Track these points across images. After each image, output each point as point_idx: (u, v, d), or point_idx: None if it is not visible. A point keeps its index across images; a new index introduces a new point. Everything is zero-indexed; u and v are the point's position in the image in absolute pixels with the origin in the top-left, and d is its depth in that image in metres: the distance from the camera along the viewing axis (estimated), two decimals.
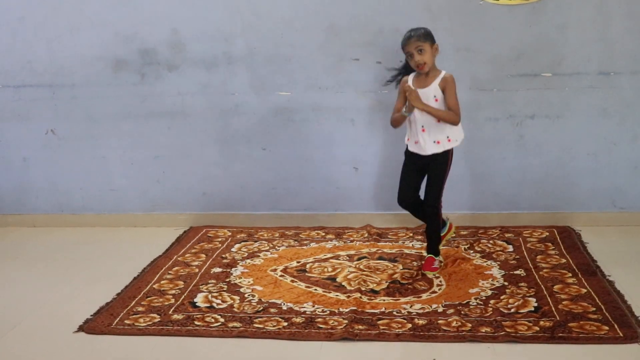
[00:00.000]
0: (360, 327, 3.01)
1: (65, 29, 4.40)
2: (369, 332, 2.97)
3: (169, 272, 3.80)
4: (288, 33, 4.24)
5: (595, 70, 4.07)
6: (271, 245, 4.15)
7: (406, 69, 3.58)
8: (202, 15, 4.27)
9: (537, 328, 2.94)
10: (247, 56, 4.31)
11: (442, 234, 3.78)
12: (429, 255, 3.70)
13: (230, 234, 4.41)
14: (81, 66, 4.45)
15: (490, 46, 4.10)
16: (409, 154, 3.61)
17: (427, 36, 3.43)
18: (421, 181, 3.65)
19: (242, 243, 4.22)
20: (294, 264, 3.85)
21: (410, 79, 3.53)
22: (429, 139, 3.48)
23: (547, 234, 4.13)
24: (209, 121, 4.45)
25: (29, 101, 4.55)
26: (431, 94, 3.43)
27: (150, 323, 3.16)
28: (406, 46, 3.44)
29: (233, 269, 3.80)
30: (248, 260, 3.92)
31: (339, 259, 3.86)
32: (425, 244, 3.79)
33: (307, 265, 3.81)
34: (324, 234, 4.34)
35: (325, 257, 3.93)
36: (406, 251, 3.94)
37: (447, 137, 3.49)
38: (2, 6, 4.40)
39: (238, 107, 4.40)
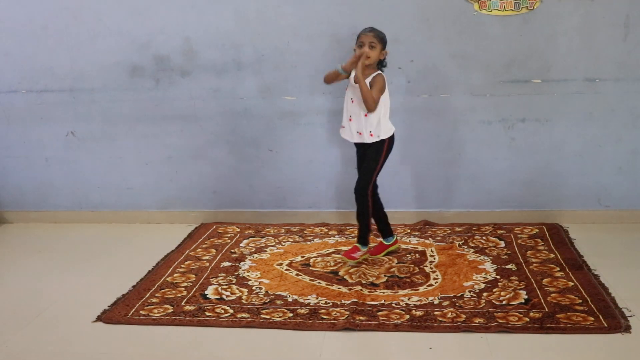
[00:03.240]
0: (361, 318, 3.01)
1: (85, 37, 4.40)
2: (370, 322, 2.97)
3: (181, 265, 3.80)
4: (294, 41, 4.23)
5: (582, 77, 4.06)
6: (277, 241, 4.15)
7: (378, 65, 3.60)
8: (213, 24, 4.26)
9: (527, 319, 2.94)
10: (255, 63, 4.30)
11: (387, 243, 3.81)
12: (356, 244, 3.72)
13: (238, 230, 4.41)
14: (100, 72, 4.44)
15: (484, 54, 4.09)
16: (355, 144, 3.66)
17: (383, 40, 3.51)
18: None
19: (250, 239, 4.22)
20: (299, 258, 3.85)
21: (353, 71, 3.55)
22: (353, 128, 3.56)
23: (537, 230, 4.12)
24: (219, 124, 4.45)
25: (51, 105, 4.55)
26: None
27: (163, 313, 3.16)
28: (363, 35, 3.49)
29: (241, 263, 3.80)
30: (255, 255, 3.92)
31: (341, 254, 3.85)
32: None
33: (311, 260, 3.80)
34: (327, 230, 4.33)
35: (328, 252, 3.93)
36: (403, 246, 3.94)
37: (370, 132, 3.52)
38: (26, 16, 4.40)
39: (246, 110, 4.40)
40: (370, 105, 3.44)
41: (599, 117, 4.12)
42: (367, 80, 3.46)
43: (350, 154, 4.25)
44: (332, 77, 3.60)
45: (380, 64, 3.59)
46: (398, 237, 3.93)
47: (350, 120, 3.56)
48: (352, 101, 3.54)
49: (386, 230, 3.81)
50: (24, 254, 4.14)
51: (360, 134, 3.54)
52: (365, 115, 3.49)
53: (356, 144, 3.65)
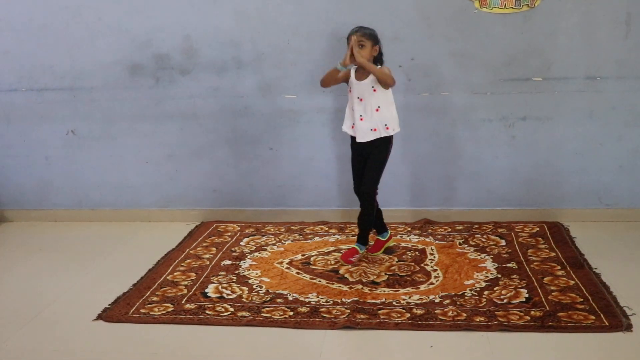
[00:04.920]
0: (362, 316, 3.01)
1: (85, 35, 4.39)
2: (370, 321, 2.97)
3: (182, 264, 3.79)
4: (294, 39, 4.22)
5: (583, 75, 4.06)
6: (277, 239, 4.15)
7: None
8: (213, 22, 4.26)
9: (528, 317, 2.93)
10: (255, 61, 4.30)
11: (383, 239, 3.80)
12: (356, 245, 3.72)
13: (239, 228, 4.40)
14: (100, 70, 4.44)
15: (484, 52, 4.08)
16: (352, 145, 3.61)
17: (371, 36, 3.48)
18: None
19: (250, 237, 4.21)
20: (299, 257, 3.84)
21: (352, 72, 3.54)
22: (366, 127, 3.49)
23: (538, 229, 4.12)
24: (219, 122, 4.44)
25: (51, 103, 4.55)
26: (370, 84, 3.47)
27: (164, 312, 3.16)
28: (350, 37, 3.45)
29: (242, 262, 3.79)
30: (256, 254, 3.92)
31: (342, 252, 3.85)
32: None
33: (312, 258, 3.80)
34: (327, 228, 4.33)
35: (328, 250, 3.92)
36: (403, 244, 3.93)
37: (386, 125, 3.49)
38: (26, 15, 4.39)
39: (247, 109, 4.39)
40: (389, 79, 3.41)
41: (599, 115, 4.11)
42: (372, 75, 3.44)
43: (350, 152, 4.24)
44: (329, 78, 3.55)
45: (378, 61, 3.54)
46: (398, 236, 3.93)
47: (361, 119, 3.50)
48: (361, 100, 3.50)
49: (381, 226, 3.80)
50: (24, 253, 4.14)
51: (375, 130, 3.48)
52: (377, 110, 3.46)
53: (357, 144, 3.57)
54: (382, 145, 3.54)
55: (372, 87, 3.47)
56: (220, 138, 4.47)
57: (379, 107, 3.47)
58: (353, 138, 3.60)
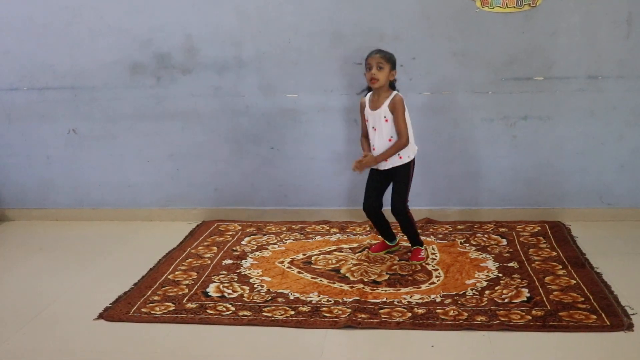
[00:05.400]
0: (363, 315, 3.01)
1: (86, 35, 4.39)
2: (371, 320, 2.96)
3: (183, 263, 3.79)
4: (295, 39, 4.22)
5: (584, 75, 4.05)
6: (279, 239, 4.15)
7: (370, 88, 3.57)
8: (214, 22, 4.26)
9: (529, 317, 2.93)
10: (256, 60, 4.29)
11: (391, 244, 3.80)
12: (415, 247, 3.71)
13: (240, 227, 4.40)
14: (101, 70, 4.44)
15: (486, 51, 4.08)
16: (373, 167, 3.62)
17: (390, 60, 3.46)
18: (385, 190, 3.66)
19: (252, 236, 4.21)
20: (300, 256, 3.84)
21: (367, 99, 3.56)
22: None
23: (539, 228, 4.11)
24: (220, 121, 4.44)
25: (52, 102, 4.55)
26: (382, 114, 3.46)
27: (165, 311, 3.16)
28: (369, 58, 3.45)
29: (243, 261, 3.79)
30: (257, 253, 3.91)
31: (343, 252, 3.85)
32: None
33: (313, 258, 3.80)
34: (328, 228, 4.32)
35: (329, 249, 3.92)
36: (404, 244, 3.93)
37: (399, 155, 3.50)
38: (27, 14, 4.39)
39: (248, 108, 4.39)
40: (401, 147, 3.45)
41: (601, 114, 4.11)
42: (386, 104, 3.44)
43: (350, 151, 4.26)
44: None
45: (392, 86, 3.53)
46: (400, 235, 3.92)
47: (374, 149, 3.52)
48: (375, 129, 3.51)
49: (390, 235, 3.80)
50: (25, 252, 4.14)
51: (387, 160, 3.51)
52: (390, 140, 3.47)
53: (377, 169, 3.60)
54: (403, 169, 3.54)
55: (384, 116, 3.46)
56: (221, 137, 4.47)
57: (391, 137, 3.47)
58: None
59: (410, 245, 3.76)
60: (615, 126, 4.12)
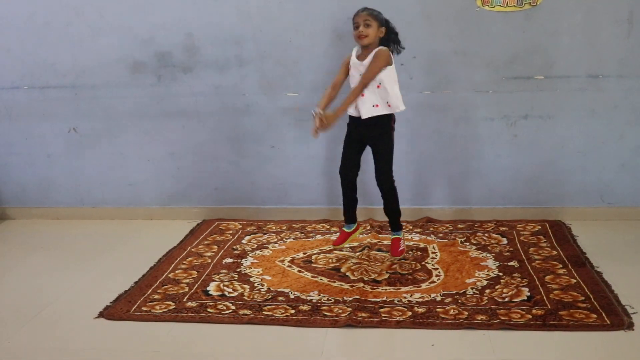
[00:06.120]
0: (363, 314, 3.01)
1: (87, 33, 4.39)
2: (372, 319, 2.96)
3: (183, 262, 3.80)
4: (296, 38, 4.22)
5: (585, 74, 4.05)
6: (279, 238, 4.15)
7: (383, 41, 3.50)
8: (215, 20, 4.25)
9: (529, 316, 2.93)
10: (257, 59, 4.29)
11: (349, 231, 3.73)
12: (394, 235, 3.68)
13: (240, 226, 4.40)
14: (101, 68, 4.44)
15: (486, 50, 4.08)
16: (350, 124, 3.58)
17: (378, 17, 3.41)
18: (361, 154, 3.60)
19: (252, 235, 4.21)
20: (301, 255, 3.84)
21: (354, 51, 3.50)
22: (368, 103, 3.43)
23: (539, 227, 4.11)
24: (221, 120, 4.44)
25: (53, 101, 4.55)
26: (367, 66, 3.41)
27: (165, 310, 3.16)
28: (356, 17, 3.41)
29: (243, 260, 3.79)
30: (257, 252, 3.92)
31: (343, 251, 3.85)
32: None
33: (313, 257, 3.80)
34: (328, 226, 4.33)
35: (330, 248, 3.92)
36: (405, 243, 3.92)
37: (387, 102, 3.43)
38: (28, 12, 4.39)
39: (248, 107, 4.39)
40: (361, 86, 3.39)
41: (601, 113, 4.11)
42: (370, 56, 3.38)
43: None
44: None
45: (384, 43, 3.47)
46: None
47: (362, 95, 3.43)
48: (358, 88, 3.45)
49: (352, 216, 3.74)
50: (25, 251, 4.14)
51: (377, 105, 3.42)
52: (378, 87, 3.40)
53: (356, 126, 3.52)
54: (384, 134, 3.48)
55: (378, 83, 3.42)
56: (222, 136, 4.47)
57: (380, 83, 3.42)
58: (352, 119, 3.54)
59: (390, 230, 3.72)
60: (616, 125, 4.12)
